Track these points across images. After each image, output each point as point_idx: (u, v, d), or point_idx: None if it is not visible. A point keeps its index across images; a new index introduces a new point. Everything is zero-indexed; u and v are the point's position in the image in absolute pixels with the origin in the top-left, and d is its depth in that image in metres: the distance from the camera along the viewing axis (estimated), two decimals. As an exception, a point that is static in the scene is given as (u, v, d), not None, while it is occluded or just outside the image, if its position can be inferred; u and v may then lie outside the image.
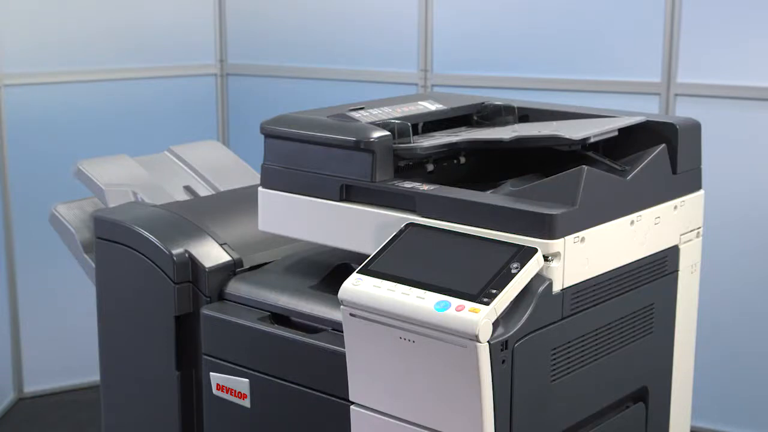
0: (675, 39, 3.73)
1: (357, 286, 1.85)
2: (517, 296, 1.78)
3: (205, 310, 2.17)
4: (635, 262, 2.01)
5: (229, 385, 2.14)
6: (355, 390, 1.91)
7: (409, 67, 4.14)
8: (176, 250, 2.20)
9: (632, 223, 1.98)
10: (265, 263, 2.28)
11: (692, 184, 2.14)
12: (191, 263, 2.20)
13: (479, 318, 1.71)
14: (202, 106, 4.46)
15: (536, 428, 1.85)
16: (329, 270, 2.19)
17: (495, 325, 1.74)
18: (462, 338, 1.72)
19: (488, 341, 1.72)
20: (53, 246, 4.16)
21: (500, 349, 1.74)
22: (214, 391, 2.17)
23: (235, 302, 2.18)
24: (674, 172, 2.08)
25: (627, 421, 2.08)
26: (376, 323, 1.82)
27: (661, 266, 2.09)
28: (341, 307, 1.87)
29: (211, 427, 2.21)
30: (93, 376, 4.29)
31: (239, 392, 2.13)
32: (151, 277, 2.22)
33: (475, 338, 1.70)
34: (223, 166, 2.75)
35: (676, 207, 2.09)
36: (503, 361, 1.75)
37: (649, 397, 2.12)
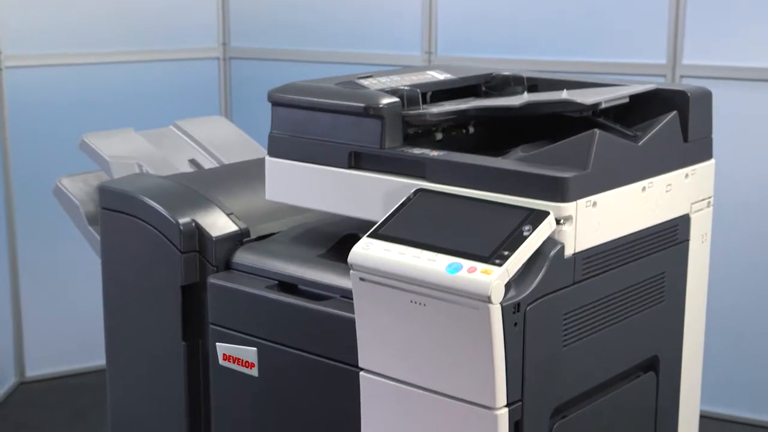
0: (680, 21, 3.71)
1: (367, 249, 1.83)
2: (529, 260, 1.77)
3: (212, 279, 2.15)
4: (646, 229, 1.99)
5: (236, 354, 2.12)
6: (365, 356, 1.89)
7: (413, 50, 4.12)
8: (183, 220, 2.18)
9: (644, 189, 1.96)
10: (272, 234, 2.26)
11: (703, 153, 2.13)
12: (198, 232, 2.18)
13: (492, 279, 1.69)
14: (205, 89, 4.44)
15: (548, 394, 1.83)
16: (337, 240, 2.18)
17: (507, 287, 1.72)
18: (474, 300, 1.70)
19: (500, 303, 1.70)
20: (55, 229, 4.18)
21: (512, 312, 1.72)
22: (221, 361, 2.15)
23: (242, 271, 2.16)
24: (685, 140, 2.06)
25: (638, 390, 2.07)
26: (387, 287, 1.81)
27: (672, 235, 2.07)
28: (351, 271, 1.85)
29: (219, 398, 2.19)
30: (95, 361, 4.29)
31: (247, 362, 2.11)
32: (157, 247, 2.20)
33: (488, 300, 1.68)
34: (229, 140, 2.73)
35: (687, 175, 2.08)
36: (515, 324, 1.74)
37: (660, 367, 2.10)
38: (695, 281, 2.17)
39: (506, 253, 1.72)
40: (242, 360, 2.12)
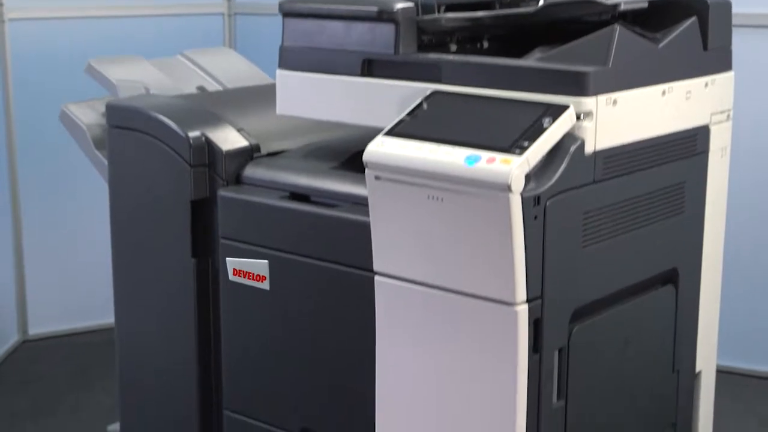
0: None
1: (382, 147, 1.80)
2: (549, 155, 1.73)
3: (223, 192, 2.11)
4: (666, 135, 1.95)
5: (246, 268, 2.08)
6: (380, 259, 1.85)
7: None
8: (192, 133, 2.14)
9: (663, 93, 1.92)
10: (283, 151, 2.22)
11: (723, 63, 2.09)
12: (208, 147, 2.14)
13: (512, 168, 1.65)
14: (210, 45, 4.38)
15: (567, 294, 1.79)
16: (349, 155, 2.14)
17: (527, 180, 1.68)
18: (494, 191, 1.66)
19: (521, 194, 1.66)
20: (59, 186, 4.14)
21: (533, 204, 1.69)
22: (231, 277, 2.11)
23: (252, 185, 2.12)
24: (705, 48, 2.02)
25: (657, 302, 2.03)
26: (403, 184, 1.77)
27: (692, 144, 2.04)
28: (366, 171, 1.81)
29: (229, 315, 2.16)
30: (98, 320, 4.24)
31: (258, 275, 2.07)
32: (166, 162, 2.16)
33: (508, 188, 1.64)
34: (238, 70, 2.69)
35: (706, 84, 2.04)
36: (535, 218, 1.70)
37: (679, 280, 2.07)
38: (715, 195, 2.13)
39: (526, 143, 1.69)
40: (253, 274, 2.08)
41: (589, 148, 1.78)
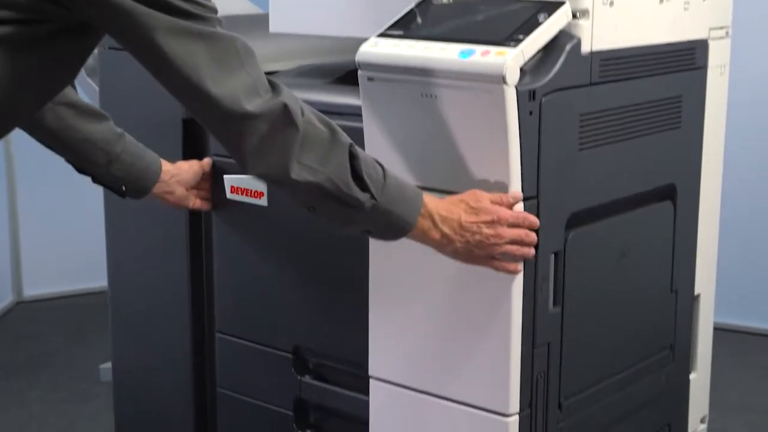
0: None
1: (375, 47, 1.77)
2: (545, 53, 1.71)
3: (215, 108, 2.08)
4: (664, 45, 1.93)
5: (244, 185, 2.05)
6: (373, 165, 1.82)
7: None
8: (184, 50, 2.10)
9: (661, 1, 1.90)
10: (275, 72, 2.19)
11: (722, -23, 2.07)
12: (200, 64, 2.10)
13: (506, 59, 1.62)
14: None
15: (563, 197, 1.77)
16: (343, 72, 2.11)
17: (523, 74, 1.66)
18: (488, 83, 1.63)
19: (516, 87, 1.63)
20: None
21: (528, 99, 1.66)
22: (229, 194, 2.08)
23: (245, 102, 2.09)
24: (704, -40, 2.00)
25: (654, 217, 2.00)
26: (396, 83, 1.74)
27: (690, 58, 2.01)
28: (359, 72, 1.78)
29: (224, 236, 2.13)
30: (92, 282, 4.21)
31: (255, 192, 2.04)
32: (157, 80, 2.13)
33: (502, 80, 1.62)
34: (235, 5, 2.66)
35: (705, -2, 2.01)
36: (531, 113, 1.67)
37: (677, 196, 2.04)
38: (713, 113, 2.10)
39: (521, 36, 1.66)
40: (251, 190, 2.05)
41: (585, 48, 1.75)
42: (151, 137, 2.18)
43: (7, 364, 3.64)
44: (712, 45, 2.06)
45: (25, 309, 4.24)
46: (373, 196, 1.58)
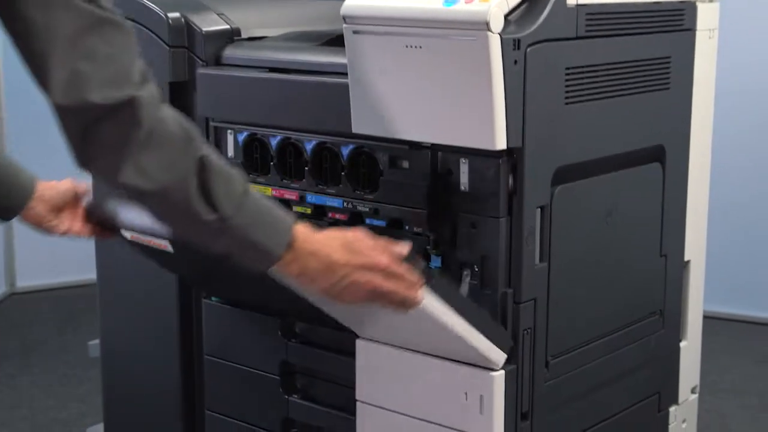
0: None
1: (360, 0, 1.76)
2: (531, 3, 1.70)
3: (201, 70, 2.08)
4: (651, 3, 1.93)
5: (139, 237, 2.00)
6: (358, 122, 1.81)
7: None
8: (171, 14, 2.10)
9: (648, -41, 1.90)
10: (264, 37, 2.19)
11: (710, -62, 2.06)
12: (187, 28, 2.10)
13: (490, 6, 1.62)
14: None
15: (549, 149, 1.76)
16: (332, 36, 2.10)
17: (508, 24, 1.65)
18: (472, 30, 1.63)
19: (500, 34, 1.63)
20: (47, 138, 4.10)
21: (512, 48, 1.65)
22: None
23: (232, 65, 2.09)
24: None
25: (642, 178, 1.99)
26: (381, 35, 1.73)
27: (678, 18, 2.00)
28: (344, 26, 1.77)
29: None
30: (86, 274, 4.20)
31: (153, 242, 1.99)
32: (144, 44, 2.09)
33: (486, 26, 1.61)
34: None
35: (693, -42, 2.01)
36: (515, 62, 1.66)
37: (666, 158, 2.03)
38: (702, 76, 2.09)
39: (505, -15, 1.66)
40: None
41: (571, 0, 1.74)
42: (138, 102, 2.18)
43: (1, 352, 3.63)
44: (700, 7, 2.05)
45: (17, 300, 4.23)
46: (222, 216, 1.43)
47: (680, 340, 2.20)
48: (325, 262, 1.51)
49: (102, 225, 1.85)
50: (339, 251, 1.52)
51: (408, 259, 1.58)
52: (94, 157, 1.39)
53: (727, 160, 3.20)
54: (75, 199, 1.86)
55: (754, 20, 3.69)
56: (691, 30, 2.04)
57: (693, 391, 2.27)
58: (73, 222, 1.85)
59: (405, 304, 1.57)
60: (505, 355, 1.73)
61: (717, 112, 2.17)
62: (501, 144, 1.67)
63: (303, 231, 1.51)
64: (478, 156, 1.72)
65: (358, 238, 1.56)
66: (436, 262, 1.79)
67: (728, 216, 3.72)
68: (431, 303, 1.61)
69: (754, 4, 3.68)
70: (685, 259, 2.16)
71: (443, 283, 1.64)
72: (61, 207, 1.84)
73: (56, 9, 1.31)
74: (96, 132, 1.36)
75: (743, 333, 3.75)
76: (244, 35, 2.16)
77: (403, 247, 1.59)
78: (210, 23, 2.12)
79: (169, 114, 1.43)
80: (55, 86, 1.33)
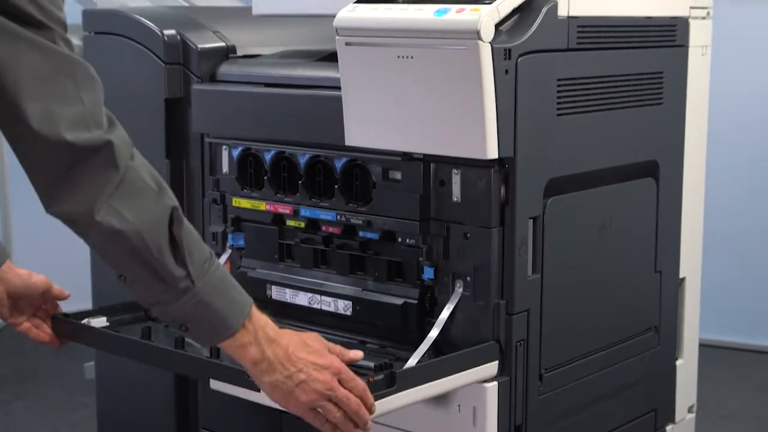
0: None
1: (353, 12, 1.77)
2: (522, 14, 1.71)
3: (197, 86, 2.08)
4: (643, 18, 1.94)
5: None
6: (351, 134, 1.81)
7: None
8: (167, 32, 2.12)
9: (639, -27, 1.91)
10: (258, 55, 2.20)
11: (703, -45, 2.08)
12: (182, 45, 2.11)
13: (480, 15, 1.63)
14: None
15: (541, 161, 1.76)
16: (326, 54, 2.12)
17: (499, 33, 1.66)
18: (463, 39, 1.63)
19: (491, 43, 1.63)
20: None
21: (503, 57, 1.66)
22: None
23: (227, 81, 2.09)
24: (684, -63, 2.02)
25: (636, 193, 1.99)
26: (373, 47, 1.74)
27: (670, 34, 2.01)
28: (336, 38, 1.78)
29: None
30: (80, 304, 4.19)
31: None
32: (141, 62, 2.14)
33: (477, 35, 1.62)
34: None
35: (684, -25, 2.03)
36: (506, 72, 1.67)
37: (659, 174, 2.03)
38: (696, 93, 2.10)
39: (496, -6, 1.67)
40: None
41: (562, 12, 1.75)
42: (133, 118, 2.17)
43: (-4, 377, 3.62)
44: (692, 24, 2.06)
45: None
46: (189, 276, 1.41)
47: (676, 358, 2.18)
48: (285, 353, 1.47)
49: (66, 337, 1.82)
50: (298, 346, 1.49)
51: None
52: (66, 196, 1.37)
53: (724, 188, 3.20)
54: (41, 297, 1.78)
55: (746, 39, 3.70)
56: (684, 46, 2.05)
57: (690, 411, 2.25)
58: (32, 321, 1.80)
59: (355, 417, 1.51)
60: (495, 362, 1.72)
61: (710, 132, 2.18)
62: (492, 153, 1.67)
63: (261, 316, 1.49)
64: (470, 167, 1.73)
65: (315, 338, 1.54)
66: (428, 273, 1.79)
67: (727, 243, 3.72)
68: (405, 397, 1.60)
69: (746, 23, 3.69)
70: (681, 276, 2.15)
71: (403, 375, 1.60)
72: (20, 297, 1.77)
73: (23, 46, 1.30)
74: (73, 171, 1.35)
75: (743, 361, 3.74)
76: (239, 53, 2.17)
77: (356, 354, 1.59)
78: (205, 40, 2.13)
79: (142, 161, 1.43)
80: (32, 117, 1.31)
